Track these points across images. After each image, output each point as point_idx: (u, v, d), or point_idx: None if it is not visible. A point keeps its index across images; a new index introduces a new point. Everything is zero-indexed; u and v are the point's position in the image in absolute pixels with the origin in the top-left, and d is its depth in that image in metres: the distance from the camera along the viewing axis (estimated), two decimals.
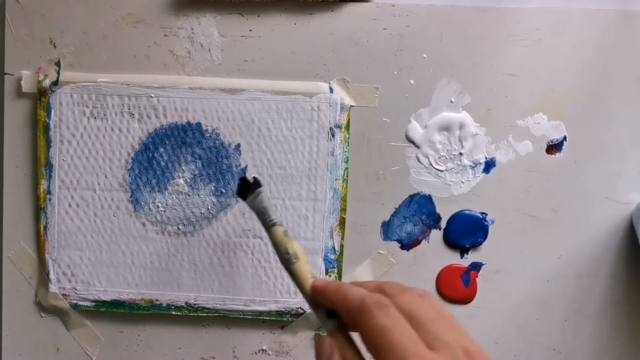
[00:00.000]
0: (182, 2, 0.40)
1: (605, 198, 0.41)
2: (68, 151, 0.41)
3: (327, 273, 0.41)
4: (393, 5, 0.40)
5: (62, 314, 0.43)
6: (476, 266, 0.42)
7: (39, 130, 0.41)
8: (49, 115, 0.41)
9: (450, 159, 0.41)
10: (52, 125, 0.41)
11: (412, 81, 0.41)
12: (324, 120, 0.40)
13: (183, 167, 0.41)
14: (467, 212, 0.41)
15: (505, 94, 0.41)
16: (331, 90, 0.40)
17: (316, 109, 0.40)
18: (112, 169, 0.41)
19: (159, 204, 0.41)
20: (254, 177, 0.37)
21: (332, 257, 0.41)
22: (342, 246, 0.41)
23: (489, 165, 0.41)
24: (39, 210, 0.42)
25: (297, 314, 0.42)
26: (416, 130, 0.41)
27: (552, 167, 0.41)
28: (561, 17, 0.40)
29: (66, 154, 0.41)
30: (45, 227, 0.42)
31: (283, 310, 0.42)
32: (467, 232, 0.41)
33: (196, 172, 0.41)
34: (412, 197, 0.41)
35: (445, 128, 0.41)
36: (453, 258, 0.42)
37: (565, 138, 0.41)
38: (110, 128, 0.41)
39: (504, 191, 0.41)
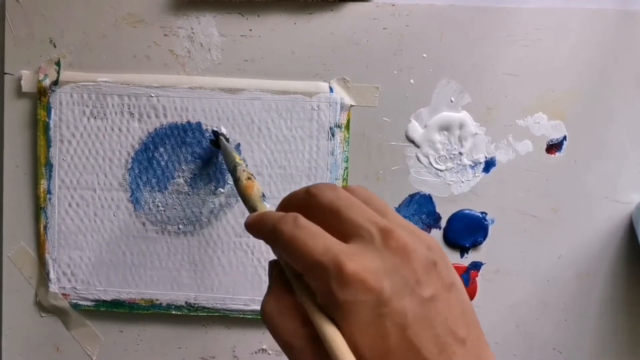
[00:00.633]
0: (182, 2, 0.40)
1: (605, 198, 0.41)
2: (68, 151, 0.41)
3: None
4: (393, 5, 0.40)
5: (62, 313, 0.43)
6: (476, 266, 0.42)
7: (39, 130, 0.41)
8: (49, 115, 0.41)
9: (450, 158, 0.41)
10: (52, 125, 0.41)
11: (412, 81, 0.41)
12: (324, 120, 0.40)
13: (183, 167, 0.41)
14: (467, 211, 0.41)
15: (505, 94, 0.41)
16: (331, 90, 0.40)
17: (316, 108, 0.40)
18: (112, 168, 0.41)
19: (159, 204, 0.41)
20: (214, 131, 0.40)
21: None
22: None
23: (489, 164, 0.41)
24: (39, 209, 0.42)
25: None
26: (416, 129, 0.41)
27: (552, 167, 0.41)
28: (561, 17, 0.40)
29: (66, 154, 0.41)
30: (45, 227, 0.42)
31: None
32: (467, 231, 0.41)
33: (196, 171, 0.41)
34: (412, 196, 0.41)
35: (445, 128, 0.41)
36: (453, 257, 0.42)
37: (565, 138, 0.41)
38: (110, 128, 0.41)
39: (504, 191, 0.41)
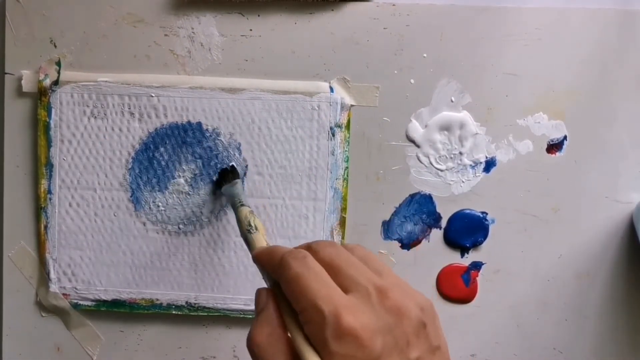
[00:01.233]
0: (182, 2, 0.40)
1: (606, 197, 0.41)
2: (68, 151, 0.41)
3: None
4: (393, 5, 0.40)
5: (63, 313, 0.43)
6: (476, 265, 0.42)
7: (40, 130, 0.41)
8: (49, 115, 0.41)
9: (451, 158, 0.41)
10: (52, 125, 0.41)
11: (412, 81, 0.41)
12: (324, 120, 0.41)
13: (183, 167, 0.41)
14: (468, 211, 0.41)
15: (505, 94, 0.41)
16: (331, 89, 0.40)
17: (316, 108, 0.40)
18: (113, 168, 0.41)
19: (160, 204, 0.41)
20: (232, 166, 0.39)
21: None
22: None
23: (490, 164, 0.41)
24: (39, 209, 0.42)
25: None
26: (416, 129, 0.41)
27: (552, 167, 0.41)
28: (561, 16, 0.40)
29: (66, 154, 0.41)
30: (45, 227, 0.42)
31: None
32: (467, 231, 0.41)
33: (197, 171, 0.41)
34: (412, 196, 0.41)
35: (446, 127, 0.41)
36: (453, 257, 0.42)
37: (565, 137, 0.41)
38: (110, 127, 0.41)
39: (504, 190, 0.41)
